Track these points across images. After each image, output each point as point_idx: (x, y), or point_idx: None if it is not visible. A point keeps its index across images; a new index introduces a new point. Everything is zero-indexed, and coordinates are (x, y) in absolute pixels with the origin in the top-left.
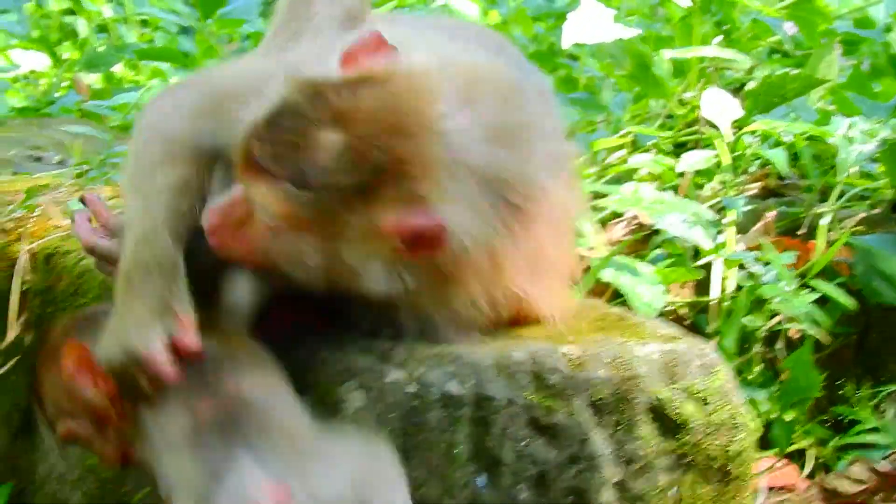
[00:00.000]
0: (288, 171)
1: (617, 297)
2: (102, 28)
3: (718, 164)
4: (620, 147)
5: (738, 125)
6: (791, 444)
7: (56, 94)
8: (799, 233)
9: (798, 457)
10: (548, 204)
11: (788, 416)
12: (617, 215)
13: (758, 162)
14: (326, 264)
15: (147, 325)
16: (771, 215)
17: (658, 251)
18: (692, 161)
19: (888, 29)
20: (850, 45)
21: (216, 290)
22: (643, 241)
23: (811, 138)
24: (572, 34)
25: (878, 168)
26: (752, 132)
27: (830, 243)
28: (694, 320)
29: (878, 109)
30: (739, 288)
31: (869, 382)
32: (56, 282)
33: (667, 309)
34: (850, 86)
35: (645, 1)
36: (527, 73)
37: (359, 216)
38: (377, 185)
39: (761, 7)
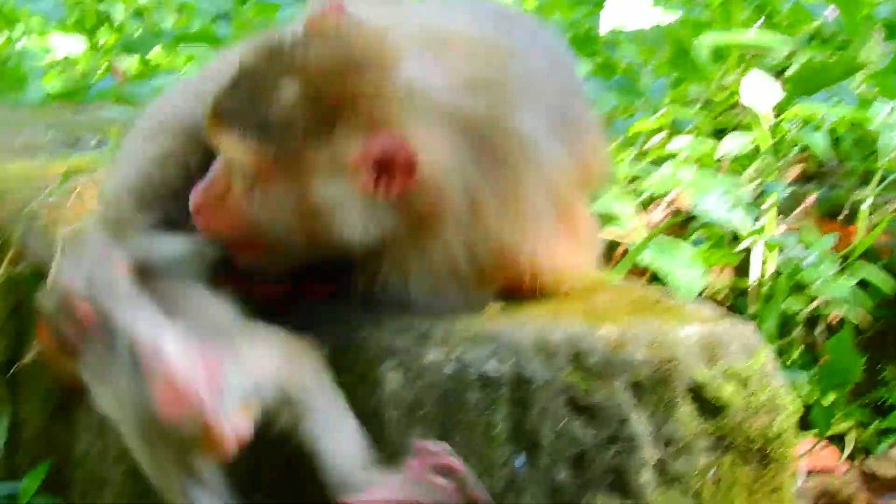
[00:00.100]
0: (253, 123)
1: (655, 279)
2: (138, 13)
3: (758, 149)
4: (659, 131)
5: (779, 109)
6: (831, 428)
7: (92, 79)
8: (839, 217)
9: (838, 440)
10: (539, 160)
11: (828, 400)
12: (656, 198)
13: (798, 146)
14: (303, 215)
15: (80, 270)
16: (811, 199)
17: (697, 234)
18: (732, 145)
19: None
20: (892, 30)
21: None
22: (682, 224)
23: (852, 123)
24: (610, 20)
25: None
26: (793, 116)
27: (871, 227)
28: (733, 304)
29: None
30: (779, 272)
31: None
32: None
33: (706, 293)
34: (891, 70)
35: None
36: (541, 46)
37: (325, 154)
38: (337, 120)
39: None
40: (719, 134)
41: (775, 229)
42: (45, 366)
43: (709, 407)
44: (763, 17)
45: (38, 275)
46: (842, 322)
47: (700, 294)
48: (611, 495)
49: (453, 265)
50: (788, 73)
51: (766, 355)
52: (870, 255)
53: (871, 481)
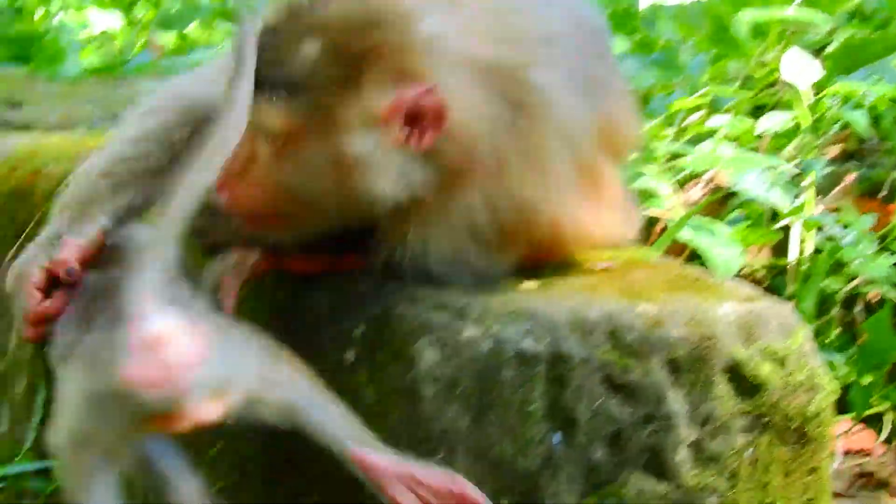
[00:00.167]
0: (278, 84)
1: (693, 258)
2: None
3: (798, 127)
4: (698, 108)
5: (819, 87)
6: (868, 409)
7: (130, 54)
8: (879, 195)
9: (875, 422)
10: (558, 117)
11: (866, 380)
12: (695, 176)
13: (838, 124)
14: (337, 173)
15: (34, 250)
16: (850, 178)
17: (736, 213)
18: (771, 123)
19: None
20: None
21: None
22: (721, 202)
23: (892, 100)
24: None
25: None
26: (833, 94)
27: None
28: (771, 283)
29: None
30: (818, 251)
31: None
32: None
33: (744, 271)
34: None
35: None
36: (563, 5)
37: (356, 108)
38: (365, 74)
39: None
40: (758, 112)
41: (814, 208)
42: None
43: (746, 386)
44: None
45: None
46: (881, 302)
47: (738, 273)
48: (646, 475)
49: (474, 226)
50: (828, 50)
51: (804, 335)
52: None
53: None
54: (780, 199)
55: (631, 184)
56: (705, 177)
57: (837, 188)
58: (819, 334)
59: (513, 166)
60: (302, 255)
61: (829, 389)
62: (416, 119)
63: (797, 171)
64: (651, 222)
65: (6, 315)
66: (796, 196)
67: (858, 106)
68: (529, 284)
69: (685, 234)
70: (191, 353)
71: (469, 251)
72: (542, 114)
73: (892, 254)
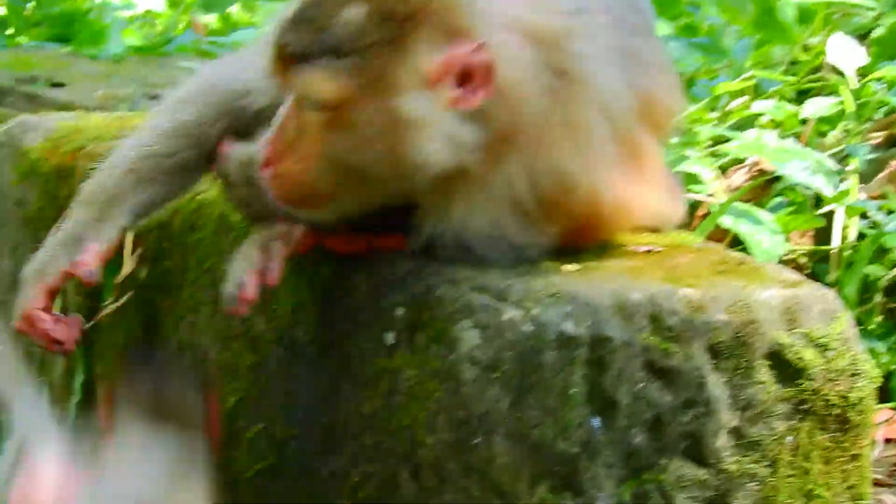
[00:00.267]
0: (326, 51)
1: (735, 244)
2: None
3: (842, 112)
4: (742, 93)
5: (863, 72)
6: None
7: (172, 34)
8: None
9: None
10: (599, 89)
11: None
12: (738, 161)
13: (883, 110)
14: (390, 136)
15: (54, 249)
16: (895, 164)
17: (779, 199)
18: (816, 108)
19: None
20: None
21: None
22: (764, 187)
23: None
24: None
25: None
26: (878, 79)
27: None
28: (813, 269)
29: None
30: (861, 237)
31: None
32: (172, 216)
33: (786, 258)
34: None
35: None
36: None
37: (407, 69)
38: (413, 34)
39: None
40: (802, 97)
41: (858, 194)
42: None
43: (788, 372)
44: None
45: None
46: None
47: (780, 260)
48: (686, 460)
49: (515, 197)
50: (874, 35)
51: (846, 320)
52: None
53: None
54: (823, 185)
55: (674, 168)
56: (748, 161)
57: (881, 174)
58: (861, 321)
59: (553, 136)
60: (344, 235)
61: (871, 376)
62: (465, 78)
63: (840, 159)
64: (693, 207)
65: None
66: (840, 182)
67: None
68: (571, 267)
69: (727, 221)
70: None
71: (509, 224)
72: (583, 84)
73: None
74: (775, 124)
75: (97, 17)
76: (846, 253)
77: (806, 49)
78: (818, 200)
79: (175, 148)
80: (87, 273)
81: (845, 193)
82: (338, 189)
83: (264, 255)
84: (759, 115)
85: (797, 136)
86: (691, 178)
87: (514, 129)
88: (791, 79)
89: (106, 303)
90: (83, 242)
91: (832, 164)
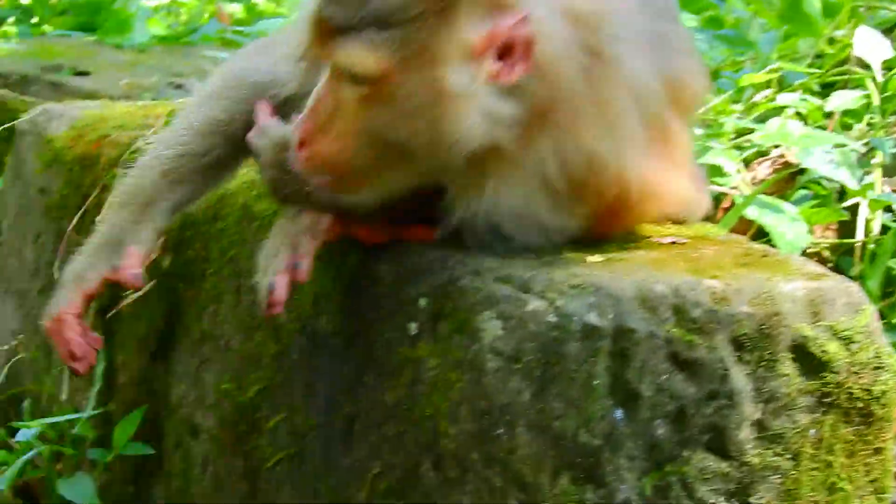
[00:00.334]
0: (369, 24)
1: (759, 236)
2: None
3: (867, 105)
4: (767, 85)
5: (889, 66)
6: None
7: (197, 23)
8: None
9: None
10: (628, 73)
11: None
12: (762, 154)
13: None
14: (432, 109)
15: (93, 255)
16: None
17: (803, 191)
18: (841, 101)
19: None
20: None
21: None
22: (788, 180)
23: None
24: None
25: None
26: None
27: None
28: (837, 262)
29: None
30: (885, 230)
31: None
32: (195, 206)
33: (810, 251)
34: None
35: None
36: None
37: (450, 41)
38: (457, 4)
39: None
40: (827, 89)
41: (882, 187)
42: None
43: (811, 364)
44: None
45: None
46: None
47: (803, 252)
48: (709, 453)
49: (546, 176)
50: None
51: (870, 314)
52: None
53: None
54: (847, 178)
55: (698, 159)
56: (773, 154)
57: None
58: (884, 315)
59: (586, 115)
60: (370, 225)
61: (895, 369)
62: (506, 52)
63: (865, 149)
64: (717, 199)
65: None
66: (868, 173)
67: None
68: (595, 258)
69: (751, 212)
70: None
71: (540, 204)
72: (616, 66)
73: None
74: (800, 117)
75: (122, 6)
76: (870, 246)
77: (831, 42)
78: (842, 193)
79: (209, 146)
80: (132, 277)
81: (869, 186)
82: (373, 168)
83: (293, 250)
84: (784, 107)
85: (822, 129)
86: (715, 170)
87: (549, 106)
88: (816, 71)
89: (128, 292)
90: (123, 246)
91: (857, 154)
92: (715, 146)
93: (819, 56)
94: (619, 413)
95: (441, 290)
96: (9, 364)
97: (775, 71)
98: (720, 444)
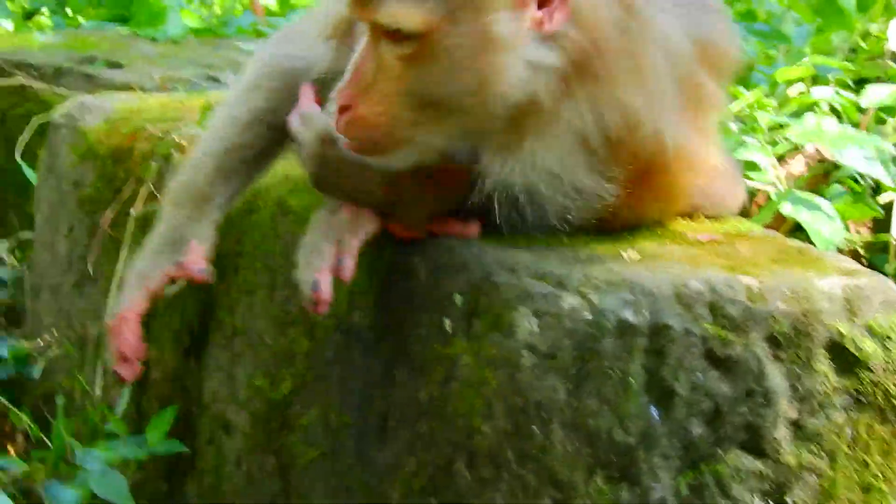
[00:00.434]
0: None
1: (794, 231)
2: None
3: None
4: (800, 79)
5: None
6: None
7: (231, 15)
8: None
9: None
10: (662, 31)
11: None
12: (796, 148)
13: None
14: (477, 63)
15: (155, 254)
16: None
17: (837, 187)
18: (876, 96)
19: None
20: None
21: None
22: (823, 175)
23: None
24: None
25: None
26: None
27: None
28: (871, 260)
29: None
30: None
31: None
32: None
33: (844, 248)
34: None
35: None
36: None
37: None
38: None
39: None
40: (861, 84)
41: None
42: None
43: (848, 362)
44: None
45: None
46: None
47: (838, 249)
48: (745, 452)
49: (582, 133)
50: None
51: None
52: None
53: None
54: (882, 174)
55: (732, 155)
56: (807, 149)
57: None
58: None
59: (620, 69)
60: (410, 219)
61: None
62: (546, 0)
63: None
64: (751, 195)
65: (101, 281)
66: None
67: None
68: (631, 254)
69: (787, 208)
70: None
71: (576, 163)
72: (648, 23)
73: None
74: (834, 112)
75: None
76: None
77: (865, 36)
78: (876, 189)
79: (255, 137)
80: (199, 271)
81: None
82: (415, 129)
83: (336, 248)
84: (818, 102)
85: (856, 124)
86: (750, 166)
87: (586, 57)
88: (850, 66)
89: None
90: (184, 243)
91: (892, 151)
92: (749, 141)
93: (853, 50)
94: (654, 411)
95: (476, 287)
96: (42, 359)
97: (809, 65)
98: (755, 443)
